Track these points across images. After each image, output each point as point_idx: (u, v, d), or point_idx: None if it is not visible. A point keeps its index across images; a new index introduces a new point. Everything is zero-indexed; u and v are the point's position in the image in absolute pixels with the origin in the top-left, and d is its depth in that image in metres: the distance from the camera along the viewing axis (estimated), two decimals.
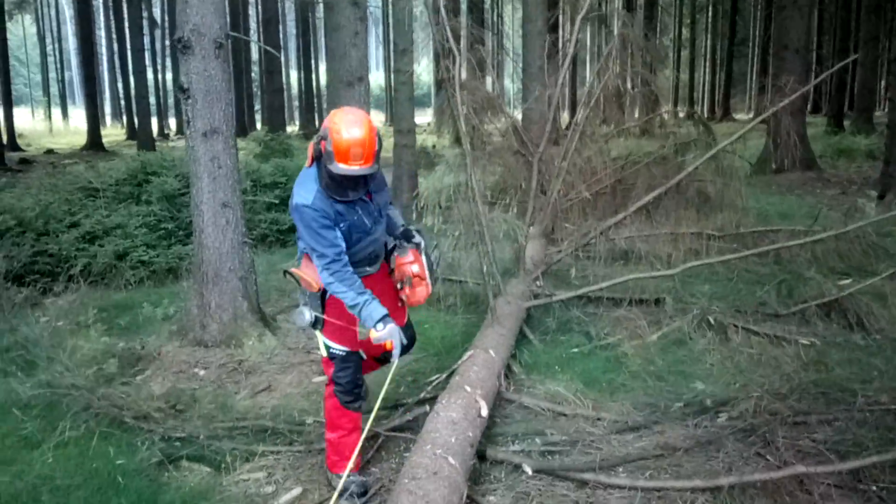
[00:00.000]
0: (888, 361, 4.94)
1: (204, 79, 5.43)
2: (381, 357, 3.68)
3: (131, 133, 33.52)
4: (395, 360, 3.39)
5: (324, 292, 3.37)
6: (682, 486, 3.46)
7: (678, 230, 6.91)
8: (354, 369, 3.53)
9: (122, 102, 42.05)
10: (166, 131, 40.15)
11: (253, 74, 41.63)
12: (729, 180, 8.20)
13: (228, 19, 5.81)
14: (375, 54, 71.01)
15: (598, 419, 4.28)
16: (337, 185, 3.10)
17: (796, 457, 3.63)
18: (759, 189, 11.93)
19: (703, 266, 6.44)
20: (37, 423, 4.32)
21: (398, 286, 3.62)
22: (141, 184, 9.59)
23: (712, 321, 5.54)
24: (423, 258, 3.60)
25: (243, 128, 32.09)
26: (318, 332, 3.49)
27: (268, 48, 23.91)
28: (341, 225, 3.19)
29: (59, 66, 55.43)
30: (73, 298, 6.59)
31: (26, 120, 46.53)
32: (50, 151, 26.41)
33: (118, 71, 41.36)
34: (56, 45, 54.16)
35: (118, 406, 4.38)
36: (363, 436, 3.40)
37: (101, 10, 46.98)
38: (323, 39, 38.03)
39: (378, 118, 45.64)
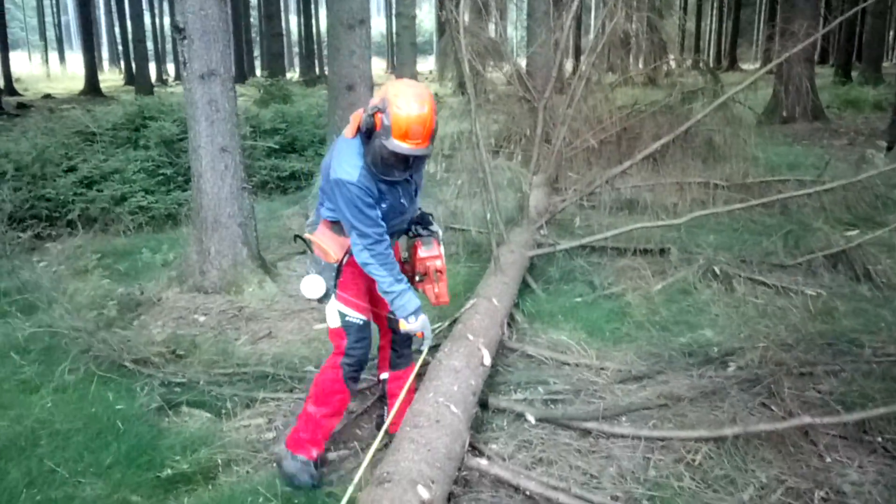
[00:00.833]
0: (895, 312, 4.89)
1: (200, 18, 5.25)
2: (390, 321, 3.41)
3: (129, 78, 33.07)
4: (424, 351, 3.31)
5: (340, 263, 3.16)
6: (685, 436, 3.44)
7: (684, 179, 6.80)
8: (370, 342, 3.30)
9: (120, 47, 41.45)
10: (165, 77, 39.57)
11: (252, 20, 40.92)
12: (737, 129, 8.05)
13: None
14: (377, 2, 69.76)
15: (602, 369, 4.25)
16: (385, 164, 2.84)
17: (802, 408, 3.60)
18: (766, 139, 11.76)
19: (709, 216, 6.38)
20: (35, 367, 4.29)
21: (416, 278, 3.34)
22: (139, 128, 9.46)
23: (718, 271, 5.48)
24: (442, 248, 3.38)
25: (242, 74, 31.69)
26: (327, 303, 3.24)
27: None
28: (382, 204, 2.99)
29: (55, 9, 54.49)
30: (73, 243, 6.52)
31: (23, 65, 45.92)
32: (47, 96, 26.07)
33: (115, 15, 40.56)
34: None
35: (118, 350, 4.34)
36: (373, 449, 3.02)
37: None
38: None
39: (379, 65, 44.95)
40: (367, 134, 2.83)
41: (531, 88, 8.26)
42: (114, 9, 41.23)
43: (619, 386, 4.04)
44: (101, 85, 28.99)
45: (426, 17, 55.14)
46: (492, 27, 8.62)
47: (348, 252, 3.11)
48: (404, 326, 3.13)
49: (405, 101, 2.74)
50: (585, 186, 6.55)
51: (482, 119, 5.72)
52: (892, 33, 30.66)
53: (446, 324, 4.48)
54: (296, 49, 47.64)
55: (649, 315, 4.99)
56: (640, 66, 10.81)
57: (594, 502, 2.98)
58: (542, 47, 10.22)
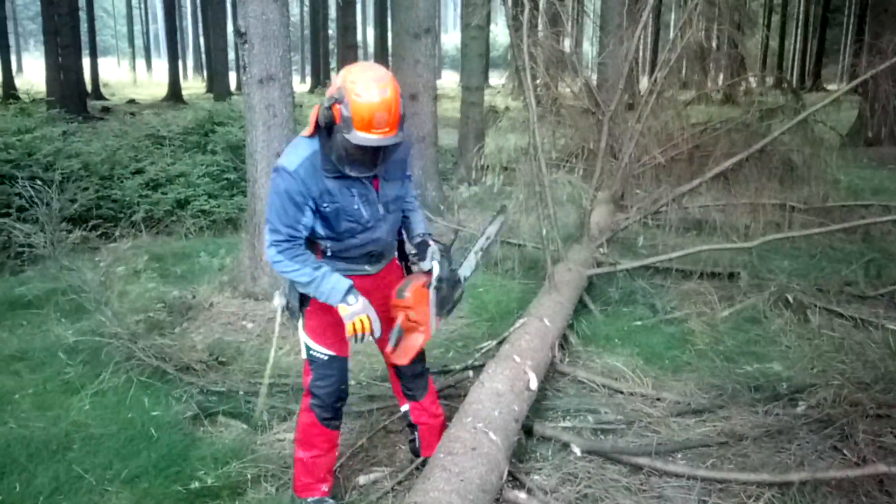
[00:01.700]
0: None
1: (262, 22, 5.22)
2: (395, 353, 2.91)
3: (211, 86, 33.99)
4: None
5: None
6: (747, 479, 3.15)
7: (758, 200, 6.42)
8: (338, 379, 2.91)
9: (204, 56, 42.71)
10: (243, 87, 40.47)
11: (330, 32, 41.61)
12: (818, 150, 7.61)
13: None
14: (453, 15, 70.21)
15: (658, 399, 3.97)
16: (351, 160, 2.54)
17: (877, 454, 3.28)
18: (849, 162, 11.17)
19: (784, 240, 6.01)
20: (80, 369, 4.30)
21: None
22: (207, 133, 9.63)
23: (791, 300, 5.11)
24: (433, 293, 2.88)
25: (318, 83, 32.25)
26: (299, 328, 2.92)
27: None
28: (325, 206, 2.62)
29: (144, 18, 56.72)
30: (132, 245, 6.59)
31: (112, 70, 47.94)
32: (132, 101, 27.06)
33: (200, 24, 41.88)
34: None
35: (160, 357, 4.29)
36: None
37: None
38: None
39: (453, 78, 45.11)
40: (328, 129, 2.54)
41: (599, 102, 8.01)
42: (199, 18, 42.61)
43: (675, 419, 3.76)
44: (184, 92, 29.95)
45: (501, 32, 55.02)
46: (566, 42, 8.42)
47: None
48: (344, 311, 2.65)
49: (364, 86, 2.44)
50: (651, 204, 6.25)
51: (543, 131, 5.51)
52: None
53: (494, 343, 4.29)
54: (372, 60, 48.25)
55: (713, 344, 4.68)
56: (718, 83, 10.41)
57: None
58: (612, 56, 9.93)
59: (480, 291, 5.70)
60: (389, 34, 39.39)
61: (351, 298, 2.66)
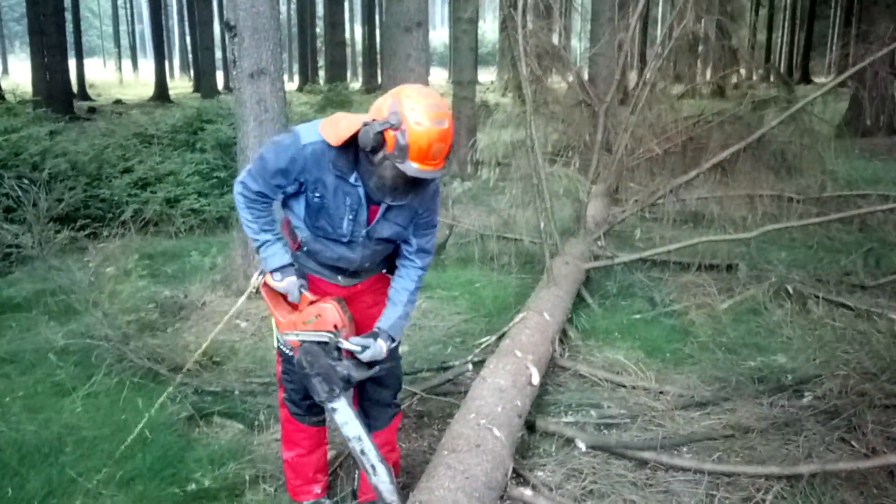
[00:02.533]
0: None
1: (251, 15, 5.12)
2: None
3: (198, 85, 33.77)
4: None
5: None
6: (755, 472, 3.10)
7: (755, 192, 6.38)
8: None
9: (190, 55, 42.44)
10: (231, 85, 40.24)
11: (318, 30, 41.42)
12: (812, 141, 7.57)
13: None
14: (441, 10, 70.11)
15: (661, 393, 3.92)
16: (391, 187, 2.34)
17: (886, 445, 3.24)
18: (841, 153, 11.16)
19: (781, 231, 5.97)
20: (71, 370, 4.20)
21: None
22: (196, 132, 9.49)
23: (791, 290, 5.08)
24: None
25: (306, 80, 32.06)
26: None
27: None
28: (313, 195, 2.47)
29: (129, 18, 56.32)
30: (121, 244, 6.49)
31: (98, 71, 47.61)
32: (118, 102, 26.83)
33: (186, 22, 41.59)
34: None
35: (153, 357, 4.20)
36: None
37: None
38: None
39: (441, 75, 45.01)
40: (372, 151, 2.29)
41: (592, 95, 7.94)
42: (185, 16, 42.32)
43: (680, 413, 3.70)
44: (171, 92, 29.71)
45: (489, 28, 54.97)
46: (555, 36, 8.35)
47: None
48: (270, 281, 2.56)
49: (425, 115, 2.21)
50: (648, 196, 6.20)
51: (538, 123, 5.44)
52: None
53: (494, 338, 4.22)
54: (360, 59, 48.10)
55: (715, 336, 4.63)
56: (708, 75, 10.37)
57: None
58: (605, 47, 9.88)
59: (478, 287, 5.63)
60: (378, 31, 39.31)
61: (277, 275, 2.55)
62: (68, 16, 26.75)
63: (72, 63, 24.43)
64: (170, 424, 3.61)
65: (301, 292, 2.58)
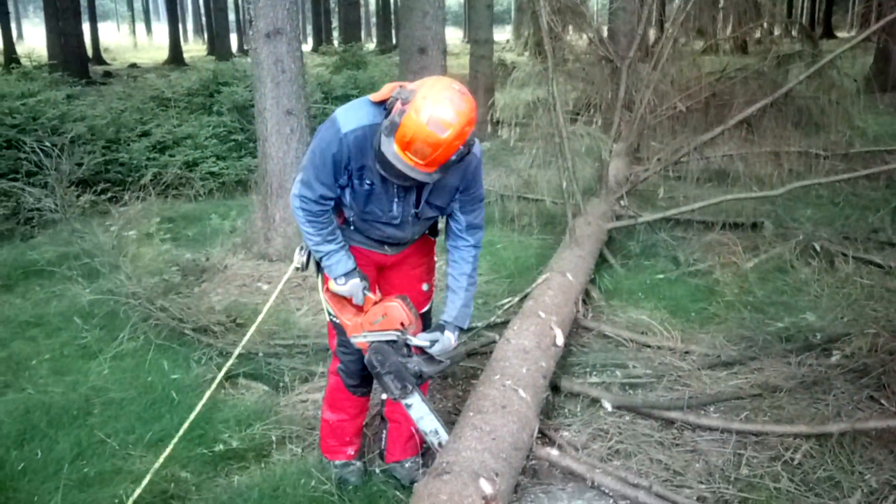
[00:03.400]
0: None
1: None
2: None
3: (212, 48, 33.53)
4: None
5: None
6: (783, 431, 3.08)
7: (781, 148, 6.24)
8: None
9: (204, 18, 42.12)
10: (246, 47, 40.02)
11: None
12: (839, 97, 7.39)
13: None
14: None
15: (687, 352, 3.89)
16: (380, 160, 2.26)
17: None
18: (867, 108, 10.92)
19: (808, 188, 5.85)
20: (96, 333, 4.23)
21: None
22: (213, 94, 9.44)
23: (818, 248, 4.99)
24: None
25: (320, 41, 31.76)
26: (319, 288, 2.77)
27: None
28: (364, 179, 2.43)
29: None
30: (142, 208, 6.49)
31: (112, 35, 47.36)
32: (133, 66, 26.71)
33: None
34: None
35: (178, 318, 4.22)
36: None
37: None
38: None
39: (455, 34, 44.41)
40: (386, 114, 2.28)
41: (612, 52, 7.78)
42: None
43: (706, 372, 3.68)
44: (185, 55, 29.53)
45: None
46: None
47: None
48: (333, 287, 2.60)
49: (428, 112, 2.13)
50: (671, 155, 6.09)
51: (559, 80, 5.33)
52: None
53: (516, 300, 4.19)
54: (374, 20, 47.52)
55: (741, 295, 4.57)
56: (729, 31, 10.11)
57: (678, 503, 2.66)
58: (624, 4, 9.66)
59: (499, 248, 5.60)
60: None
61: (341, 280, 2.58)
62: None
63: (86, 27, 24.37)
64: (196, 386, 3.64)
65: (365, 294, 2.61)
